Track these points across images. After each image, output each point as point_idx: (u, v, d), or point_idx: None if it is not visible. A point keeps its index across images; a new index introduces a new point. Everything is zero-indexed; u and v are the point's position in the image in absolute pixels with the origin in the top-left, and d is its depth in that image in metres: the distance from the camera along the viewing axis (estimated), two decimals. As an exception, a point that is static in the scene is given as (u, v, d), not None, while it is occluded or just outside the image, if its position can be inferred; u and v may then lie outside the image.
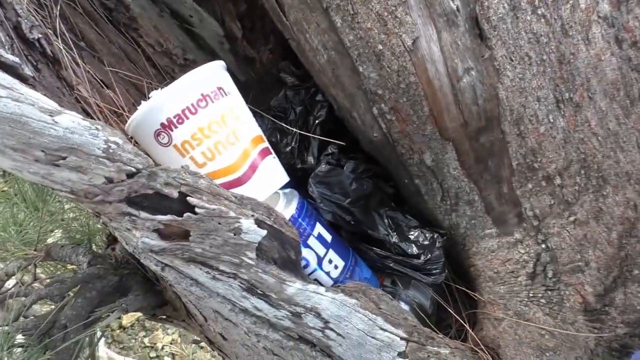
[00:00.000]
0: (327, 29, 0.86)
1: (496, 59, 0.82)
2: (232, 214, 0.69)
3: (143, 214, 0.66)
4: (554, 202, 0.87)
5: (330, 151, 0.90)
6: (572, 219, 0.87)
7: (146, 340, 3.47)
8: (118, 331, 3.49)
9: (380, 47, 0.83)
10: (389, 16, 0.81)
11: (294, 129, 0.92)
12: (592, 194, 0.87)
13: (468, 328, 0.90)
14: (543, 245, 0.89)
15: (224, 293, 0.75)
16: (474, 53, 0.82)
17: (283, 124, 0.93)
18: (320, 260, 0.83)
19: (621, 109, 0.86)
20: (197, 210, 0.67)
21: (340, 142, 0.90)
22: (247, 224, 0.69)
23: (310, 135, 0.92)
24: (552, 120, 0.84)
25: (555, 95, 0.84)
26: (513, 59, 0.82)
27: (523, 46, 0.82)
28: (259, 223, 0.70)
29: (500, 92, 0.83)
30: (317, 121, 0.93)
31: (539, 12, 0.81)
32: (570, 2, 0.81)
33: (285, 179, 0.86)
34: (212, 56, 1.08)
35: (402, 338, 0.79)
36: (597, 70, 0.84)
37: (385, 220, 0.87)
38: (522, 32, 0.81)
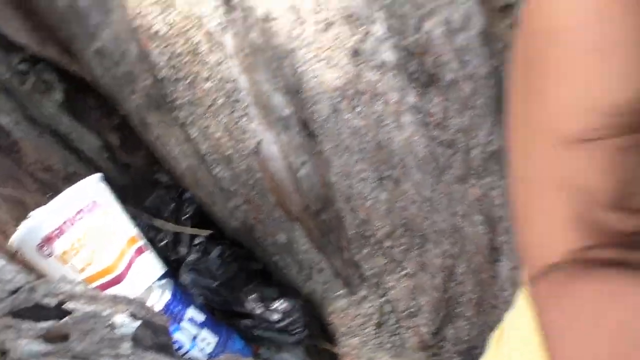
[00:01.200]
0: (184, 140, 1.03)
1: (324, 152, 1.02)
2: (106, 312, 0.82)
3: (26, 324, 0.78)
4: (387, 261, 1.07)
5: (199, 241, 1.05)
6: (403, 273, 1.07)
7: None
8: None
9: (230, 151, 1.01)
10: (234, 126, 1.00)
11: (167, 225, 1.07)
12: (417, 250, 1.07)
13: (333, 379, 1.06)
14: (383, 298, 1.08)
15: (108, 381, 0.86)
16: (307, 149, 1.02)
17: (157, 221, 1.08)
18: (193, 340, 0.96)
19: (432, 178, 1.08)
20: (74, 314, 0.79)
21: (208, 232, 1.05)
22: (121, 319, 0.82)
23: (181, 229, 1.07)
24: (376, 195, 1.04)
25: (377, 175, 1.04)
26: (338, 150, 1.02)
27: (345, 139, 1.02)
28: (132, 316, 0.83)
29: (331, 178, 1.02)
30: (186, 216, 1.08)
31: (357, 111, 1.02)
32: (383, 98, 1.03)
33: (160, 271, 1.00)
34: (92, 166, 1.21)
35: (271, 396, 0.94)
36: (410, 149, 1.06)
37: (253, 295, 1.03)
38: (344, 128, 1.02)
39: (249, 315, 1.02)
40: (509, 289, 1.11)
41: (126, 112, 1.08)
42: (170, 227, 1.06)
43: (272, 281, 1.09)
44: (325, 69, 0.98)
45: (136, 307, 0.86)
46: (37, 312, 0.78)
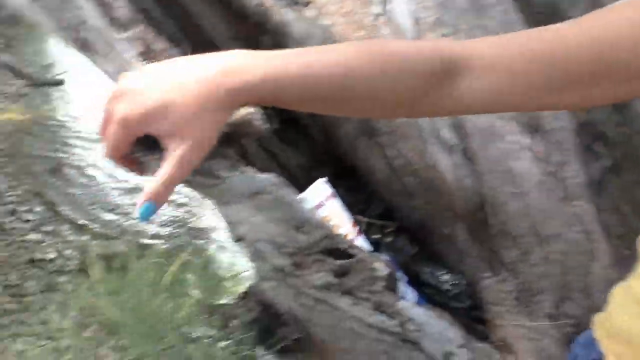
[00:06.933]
0: (382, 157, 1.46)
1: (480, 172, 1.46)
2: (369, 259, 1.20)
3: (330, 260, 1.16)
4: (520, 253, 1.49)
5: (388, 230, 1.45)
6: (531, 262, 1.49)
7: None
8: None
9: (416, 166, 1.44)
10: (420, 149, 1.43)
11: (364, 219, 1.48)
12: (538, 247, 1.50)
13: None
14: (518, 280, 1.49)
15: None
16: (468, 169, 1.46)
17: (357, 217, 1.48)
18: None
19: (545, 198, 1.53)
20: (355, 257, 1.18)
21: (395, 224, 1.46)
22: (378, 265, 1.21)
23: (375, 221, 1.47)
24: (509, 205, 1.48)
25: (509, 190, 1.48)
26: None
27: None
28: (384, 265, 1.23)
29: (484, 190, 1.46)
30: (374, 213, 1.49)
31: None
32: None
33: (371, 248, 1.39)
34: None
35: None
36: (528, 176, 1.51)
37: (427, 269, 1.43)
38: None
39: (427, 285, 1.41)
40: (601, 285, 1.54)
41: (338, 138, 1.51)
42: (366, 219, 1.47)
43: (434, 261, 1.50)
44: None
45: (382, 260, 1.25)
46: (335, 252, 1.17)
